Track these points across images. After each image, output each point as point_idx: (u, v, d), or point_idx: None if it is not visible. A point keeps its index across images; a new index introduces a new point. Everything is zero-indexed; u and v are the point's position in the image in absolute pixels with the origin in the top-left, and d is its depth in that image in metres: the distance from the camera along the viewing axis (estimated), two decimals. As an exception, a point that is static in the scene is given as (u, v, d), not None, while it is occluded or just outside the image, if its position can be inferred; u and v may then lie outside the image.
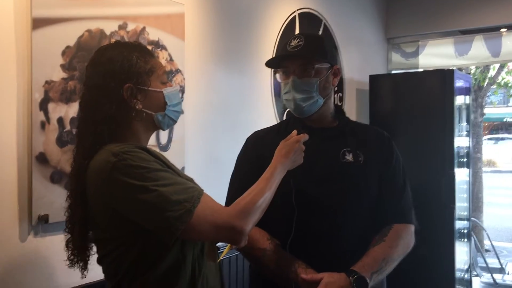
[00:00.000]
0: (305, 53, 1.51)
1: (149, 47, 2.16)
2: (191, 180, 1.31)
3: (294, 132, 1.43)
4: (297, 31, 3.28)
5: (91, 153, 1.22)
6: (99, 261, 1.29)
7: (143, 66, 1.26)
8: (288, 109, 3.19)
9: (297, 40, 1.52)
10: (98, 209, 1.22)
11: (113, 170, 1.15)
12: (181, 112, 1.37)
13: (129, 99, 1.24)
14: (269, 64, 1.63)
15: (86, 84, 1.29)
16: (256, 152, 1.60)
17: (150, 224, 1.16)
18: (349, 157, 1.54)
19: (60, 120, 1.80)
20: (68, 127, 1.81)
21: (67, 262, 1.32)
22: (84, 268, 1.32)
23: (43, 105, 1.75)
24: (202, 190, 1.22)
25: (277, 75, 1.65)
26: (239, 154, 1.70)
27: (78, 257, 1.30)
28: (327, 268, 1.42)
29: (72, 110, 1.83)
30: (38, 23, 1.73)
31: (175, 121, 1.36)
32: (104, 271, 1.28)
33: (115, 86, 1.23)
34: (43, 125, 1.75)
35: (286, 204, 1.46)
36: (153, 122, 1.30)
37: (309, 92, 1.52)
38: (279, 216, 1.48)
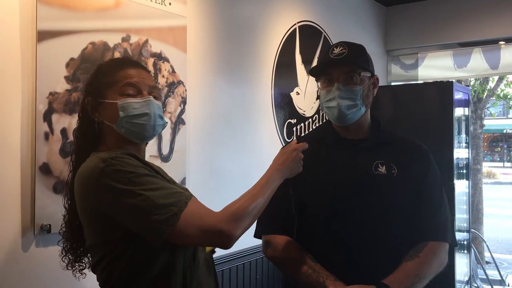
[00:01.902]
0: (351, 60, 1.52)
1: (152, 59, 2.19)
2: (185, 190, 1.31)
3: (294, 141, 1.43)
4: (297, 44, 3.32)
5: (79, 161, 1.29)
6: (93, 269, 1.30)
7: (104, 80, 1.30)
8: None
9: (341, 48, 1.52)
10: (87, 215, 1.24)
11: (102, 176, 1.17)
12: (149, 124, 1.30)
13: (91, 112, 1.30)
14: (313, 71, 1.59)
15: None
16: None
17: (137, 228, 1.17)
18: (382, 169, 1.52)
19: (64, 131, 1.83)
20: (71, 138, 1.84)
21: (62, 264, 1.35)
22: (80, 271, 1.36)
23: (47, 116, 1.78)
24: (192, 195, 1.24)
25: (319, 84, 1.60)
26: None
27: (74, 262, 1.34)
28: (357, 280, 1.40)
29: (75, 121, 1.84)
30: (43, 35, 1.76)
31: (141, 136, 1.31)
32: (98, 279, 1.29)
33: (82, 101, 1.33)
34: (46, 136, 1.77)
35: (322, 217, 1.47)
36: (120, 134, 1.30)
37: (354, 99, 1.51)
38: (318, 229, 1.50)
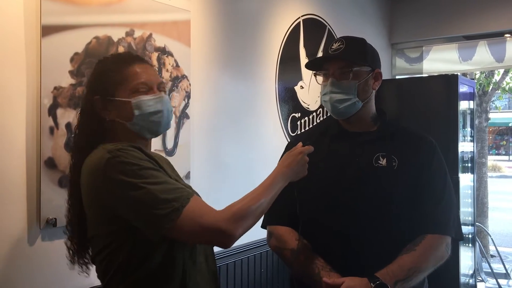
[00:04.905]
0: (344, 56, 1.53)
1: (156, 54, 2.19)
2: (189, 187, 1.31)
3: (299, 144, 1.43)
4: (301, 37, 3.31)
5: (81, 159, 1.28)
6: (92, 260, 1.31)
7: (113, 78, 1.30)
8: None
9: (339, 44, 1.54)
10: (90, 205, 1.25)
11: (107, 167, 1.17)
12: (163, 120, 1.33)
13: (100, 111, 1.29)
14: (309, 66, 1.63)
15: None
16: None
17: (137, 221, 1.18)
18: (383, 162, 1.52)
19: (69, 126, 1.83)
20: (76, 132, 1.84)
21: (68, 262, 1.35)
22: (86, 266, 1.36)
23: (52, 111, 1.78)
24: (194, 192, 1.24)
25: (318, 78, 1.63)
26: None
27: (78, 255, 1.34)
28: (355, 272, 1.41)
29: (80, 115, 1.86)
30: (48, 30, 1.77)
31: (155, 131, 1.34)
32: (96, 270, 1.30)
33: (88, 100, 1.31)
34: (51, 130, 1.78)
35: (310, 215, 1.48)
36: (132, 131, 1.31)
37: (346, 94, 1.53)
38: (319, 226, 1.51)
